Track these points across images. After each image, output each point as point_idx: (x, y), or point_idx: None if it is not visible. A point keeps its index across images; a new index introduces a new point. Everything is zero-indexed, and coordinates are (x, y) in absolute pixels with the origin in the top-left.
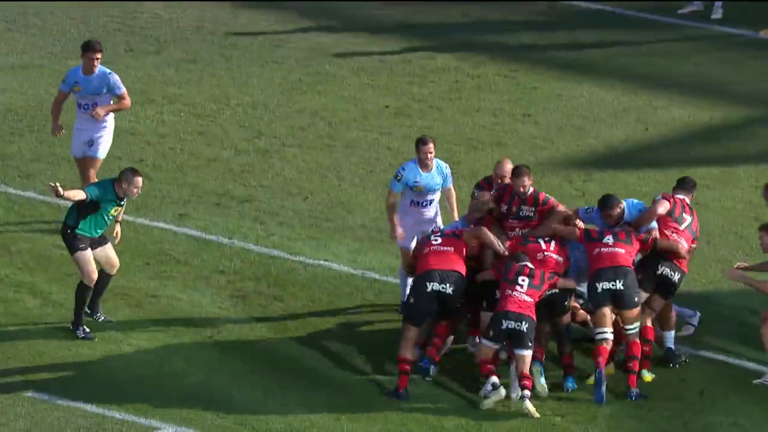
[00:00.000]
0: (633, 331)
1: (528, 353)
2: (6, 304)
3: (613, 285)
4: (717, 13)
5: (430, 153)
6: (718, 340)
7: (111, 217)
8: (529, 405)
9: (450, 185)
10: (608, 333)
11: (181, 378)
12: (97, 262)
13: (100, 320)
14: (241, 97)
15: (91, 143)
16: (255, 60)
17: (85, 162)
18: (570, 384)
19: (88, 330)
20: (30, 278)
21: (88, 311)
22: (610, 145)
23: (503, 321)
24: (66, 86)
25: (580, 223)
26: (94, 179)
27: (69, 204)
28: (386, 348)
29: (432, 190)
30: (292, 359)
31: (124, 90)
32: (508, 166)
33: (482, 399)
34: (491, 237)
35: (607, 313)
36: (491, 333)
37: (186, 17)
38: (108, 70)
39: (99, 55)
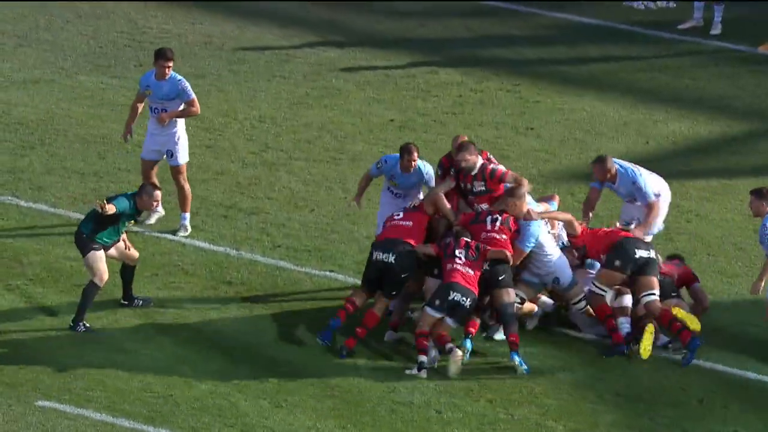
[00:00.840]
0: (654, 297)
1: (454, 326)
2: (17, 314)
3: (647, 253)
4: (716, 29)
5: (414, 161)
6: (717, 349)
7: (121, 232)
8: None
9: (433, 183)
10: (656, 292)
11: (190, 387)
12: (113, 263)
13: (140, 305)
14: (249, 111)
15: (171, 154)
16: (262, 74)
17: (149, 165)
18: (516, 359)
19: (88, 325)
20: (41, 289)
21: (125, 302)
22: (614, 156)
23: (450, 292)
24: (141, 88)
25: (578, 227)
26: (186, 185)
27: (81, 216)
28: (394, 356)
29: (408, 189)
30: (299, 369)
31: (193, 96)
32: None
33: (451, 364)
34: (446, 205)
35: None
36: (437, 302)
37: (194, 33)
38: (179, 77)
39: (170, 63)
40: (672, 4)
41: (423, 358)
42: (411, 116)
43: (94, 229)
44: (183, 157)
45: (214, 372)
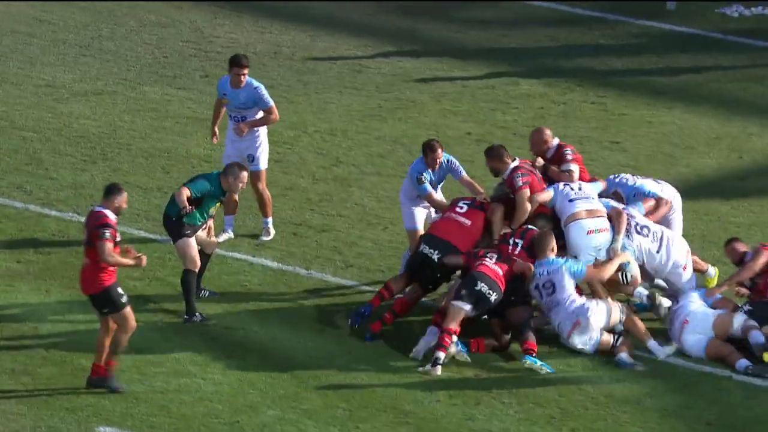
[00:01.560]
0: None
1: (472, 314)
2: (77, 336)
3: None
4: None
5: (439, 158)
6: None
7: (210, 215)
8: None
9: (463, 175)
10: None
11: (257, 413)
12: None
13: (206, 296)
14: (319, 123)
15: (252, 158)
16: (333, 86)
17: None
18: (531, 360)
19: (203, 315)
20: None
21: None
22: (702, 174)
23: (478, 282)
24: (218, 94)
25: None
26: (266, 191)
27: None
28: (471, 380)
29: (439, 183)
30: (370, 395)
31: (272, 104)
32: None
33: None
34: (498, 220)
35: None
36: (463, 291)
37: (263, 42)
38: (255, 84)
39: (245, 70)
40: None
41: (441, 354)
42: (489, 129)
43: (179, 212)
44: (264, 162)
45: (282, 397)
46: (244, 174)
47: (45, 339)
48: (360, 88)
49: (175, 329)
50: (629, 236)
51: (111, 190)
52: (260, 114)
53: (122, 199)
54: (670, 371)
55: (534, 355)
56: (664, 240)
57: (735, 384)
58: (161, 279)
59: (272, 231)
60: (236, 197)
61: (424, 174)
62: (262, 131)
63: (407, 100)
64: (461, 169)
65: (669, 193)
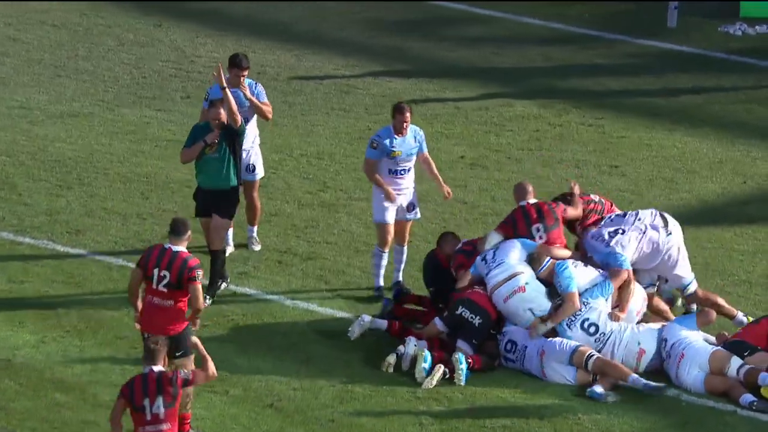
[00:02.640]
0: None
1: (467, 348)
2: (52, 371)
3: None
4: None
5: (406, 122)
6: None
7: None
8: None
9: (426, 151)
10: None
11: None
12: None
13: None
14: (306, 147)
15: (253, 168)
16: (320, 107)
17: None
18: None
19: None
20: (78, 342)
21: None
22: (705, 200)
23: (459, 306)
24: (205, 104)
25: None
26: (258, 201)
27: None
28: (471, 418)
29: (409, 156)
30: (357, 427)
31: (267, 102)
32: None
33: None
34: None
35: None
36: (445, 313)
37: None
38: (254, 81)
39: (245, 72)
40: None
41: (401, 348)
42: (483, 152)
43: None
44: (261, 171)
45: None
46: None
47: (18, 372)
48: (348, 109)
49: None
50: (570, 327)
51: (183, 227)
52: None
53: (190, 234)
54: (672, 406)
55: (471, 368)
56: (609, 343)
57: (739, 419)
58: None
59: (258, 241)
60: (259, 205)
61: (384, 141)
62: (256, 142)
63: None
64: (425, 145)
65: (653, 238)
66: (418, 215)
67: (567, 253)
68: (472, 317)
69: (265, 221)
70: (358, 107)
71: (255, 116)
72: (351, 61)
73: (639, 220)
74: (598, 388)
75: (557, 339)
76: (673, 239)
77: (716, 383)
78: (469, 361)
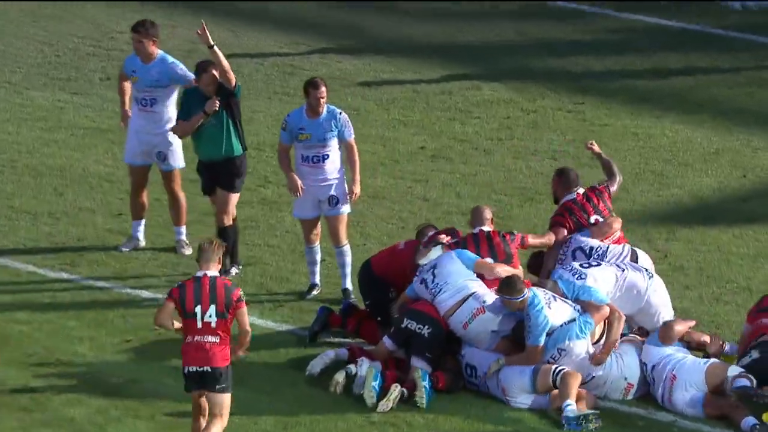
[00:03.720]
0: None
1: (422, 364)
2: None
3: None
4: None
5: (322, 98)
6: None
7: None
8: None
9: (350, 139)
10: None
11: None
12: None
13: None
14: (245, 136)
15: (164, 157)
16: (261, 91)
17: (141, 172)
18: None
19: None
20: None
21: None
22: (699, 196)
23: (404, 319)
24: (126, 72)
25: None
26: (182, 194)
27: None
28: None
29: (322, 141)
30: None
31: (193, 78)
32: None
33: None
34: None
35: None
36: (392, 329)
37: (175, 38)
38: (170, 59)
39: (145, 38)
40: None
41: (352, 367)
42: (446, 143)
43: (242, 142)
44: (177, 160)
45: None
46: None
47: None
48: (292, 93)
49: (69, 382)
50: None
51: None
52: (174, 96)
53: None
54: None
55: (435, 387)
56: (593, 386)
57: None
58: (52, 322)
59: (189, 244)
60: (145, 199)
61: (292, 122)
62: (171, 124)
63: (349, 109)
64: (350, 128)
65: (633, 279)
66: (343, 210)
67: (515, 271)
68: (419, 328)
69: (197, 221)
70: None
71: (167, 97)
72: (296, 39)
73: (611, 256)
74: (573, 412)
75: (515, 367)
76: (656, 282)
77: (717, 404)
78: (432, 379)
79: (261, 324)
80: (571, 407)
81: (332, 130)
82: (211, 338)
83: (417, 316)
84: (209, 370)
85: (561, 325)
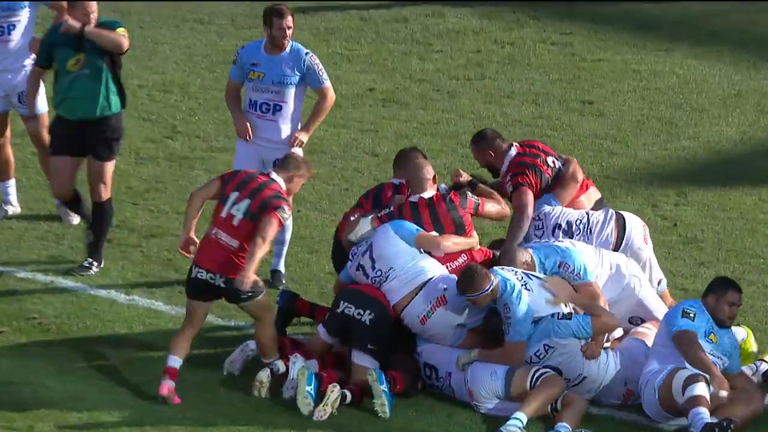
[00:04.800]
0: None
1: (366, 360)
2: None
3: None
4: None
5: (288, 29)
6: None
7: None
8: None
9: (324, 86)
10: None
11: None
12: None
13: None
14: (146, 74)
15: (20, 97)
16: (167, 18)
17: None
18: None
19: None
20: None
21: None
22: (717, 150)
23: (341, 302)
24: None
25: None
26: (45, 137)
27: None
28: None
29: (277, 84)
30: None
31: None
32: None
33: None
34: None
35: None
36: (327, 317)
37: None
38: None
39: None
40: None
41: (279, 364)
42: (401, 83)
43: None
44: (42, 103)
45: None
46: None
47: None
48: (207, 21)
49: None
50: None
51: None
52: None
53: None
54: None
55: (392, 388)
56: (584, 389)
57: None
58: None
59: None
60: (9, 153)
61: (244, 55)
62: (30, 62)
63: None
64: (322, 73)
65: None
66: None
67: (468, 242)
68: (359, 313)
69: (86, 182)
70: (220, 18)
71: (27, 22)
72: None
73: (589, 227)
74: (564, 427)
75: (486, 366)
76: (644, 254)
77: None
78: (389, 380)
79: (167, 311)
80: (564, 427)
81: (293, 74)
82: (230, 240)
83: (356, 297)
84: (222, 284)
85: (552, 316)
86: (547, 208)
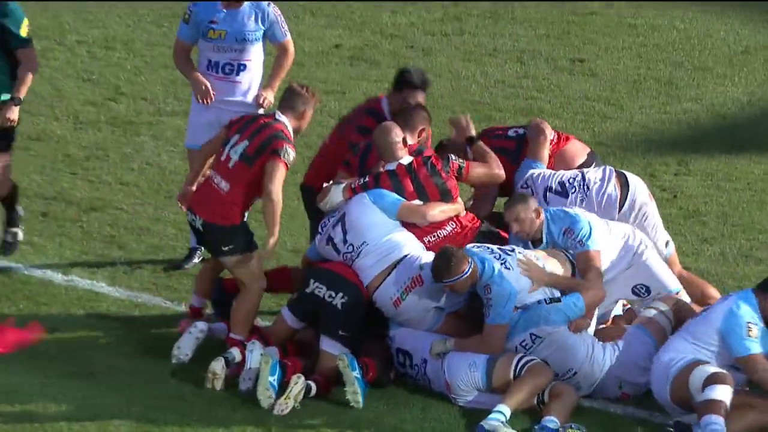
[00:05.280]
0: None
1: (336, 347)
2: None
3: None
4: None
5: None
6: None
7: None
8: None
9: (285, 39)
10: None
11: None
12: None
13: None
14: (86, 29)
15: None
16: None
17: None
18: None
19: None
20: None
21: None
22: (722, 114)
23: (311, 281)
24: None
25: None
26: None
27: None
28: None
29: (241, 42)
30: None
31: None
32: None
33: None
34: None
35: None
36: (293, 296)
37: None
38: None
39: None
40: None
41: (235, 352)
42: (370, 39)
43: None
44: None
45: None
46: None
47: None
48: None
49: None
50: None
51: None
52: None
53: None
54: None
55: (366, 379)
56: (574, 383)
57: None
58: None
59: None
60: None
61: (200, 11)
62: None
63: None
64: (284, 25)
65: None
66: None
67: (455, 209)
68: (330, 296)
69: (22, 149)
70: None
71: None
72: None
73: (586, 184)
74: (552, 422)
75: (464, 356)
76: (650, 210)
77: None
78: (362, 366)
79: (111, 293)
80: (552, 421)
81: (256, 28)
82: (222, 182)
83: (327, 277)
84: (200, 227)
85: (539, 302)
86: (535, 172)
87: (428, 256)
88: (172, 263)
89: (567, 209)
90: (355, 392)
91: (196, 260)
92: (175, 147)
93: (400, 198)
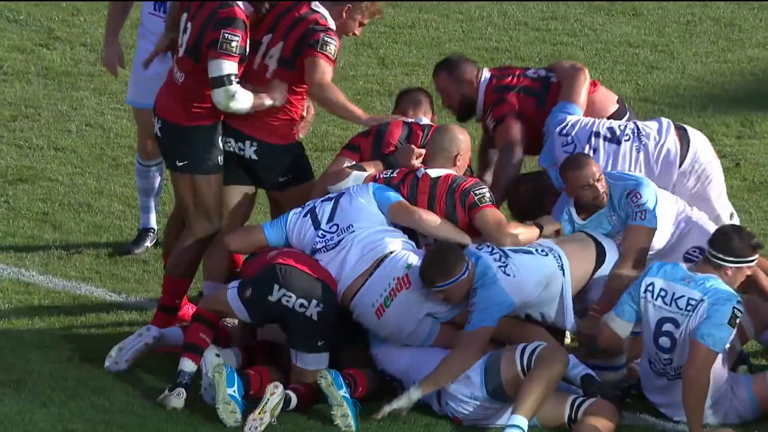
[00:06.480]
0: None
1: (311, 362)
2: None
3: None
4: None
5: None
6: None
7: None
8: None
9: None
10: None
11: None
12: None
13: None
14: None
15: None
16: None
17: None
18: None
19: None
20: None
21: None
22: None
23: (273, 284)
24: None
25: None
26: None
27: None
28: None
29: None
30: None
31: None
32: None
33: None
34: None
35: None
36: (245, 287)
37: None
38: None
39: None
40: None
41: (187, 366)
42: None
43: None
44: None
45: None
46: None
47: None
48: None
49: None
50: None
51: None
52: None
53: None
54: None
55: (353, 393)
56: None
57: None
58: None
59: None
60: None
61: None
62: None
63: None
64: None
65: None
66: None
67: (457, 232)
68: (302, 305)
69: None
70: None
71: None
72: None
73: (639, 133)
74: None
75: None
76: (714, 172)
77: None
78: (348, 382)
79: (44, 282)
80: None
81: None
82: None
83: (299, 283)
84: (254, 154)
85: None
86: (571, 118)
87: (417, 254)
88: (119, 247)
89: (628, 173)
90: (344, 415)
91: (148, 244)
92: (122, 104)
93: (399, 197)
